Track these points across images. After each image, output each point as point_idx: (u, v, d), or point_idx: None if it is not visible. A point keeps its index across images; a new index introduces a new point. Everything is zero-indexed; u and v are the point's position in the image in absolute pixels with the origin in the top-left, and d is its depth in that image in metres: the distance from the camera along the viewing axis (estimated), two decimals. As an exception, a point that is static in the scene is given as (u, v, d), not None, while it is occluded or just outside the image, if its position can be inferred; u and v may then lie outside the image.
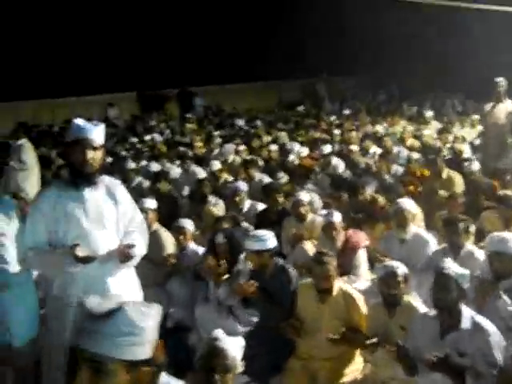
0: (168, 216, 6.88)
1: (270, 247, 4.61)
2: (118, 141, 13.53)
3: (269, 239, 4.61)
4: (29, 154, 7.60)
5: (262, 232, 4.71)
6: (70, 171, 3.61)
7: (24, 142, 7.78)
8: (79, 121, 3.61)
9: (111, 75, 27.07)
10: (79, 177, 3.53)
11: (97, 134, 3.55)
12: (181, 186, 8.73)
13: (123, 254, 3.51)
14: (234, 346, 3.25)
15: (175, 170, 9.40)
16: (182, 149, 11.08)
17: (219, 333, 3.37)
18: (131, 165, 9.37)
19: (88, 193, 3.56)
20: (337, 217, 5.52)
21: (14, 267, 3.52)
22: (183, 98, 20.65)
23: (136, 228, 3.79)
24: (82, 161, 3.49)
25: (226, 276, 4.97)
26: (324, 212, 6.01)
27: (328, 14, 23.86)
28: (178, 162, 10.26)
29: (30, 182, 7.36)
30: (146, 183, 8.55)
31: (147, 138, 12.94)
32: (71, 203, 3.52)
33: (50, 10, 26.85)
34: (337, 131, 12.17)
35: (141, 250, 3.69)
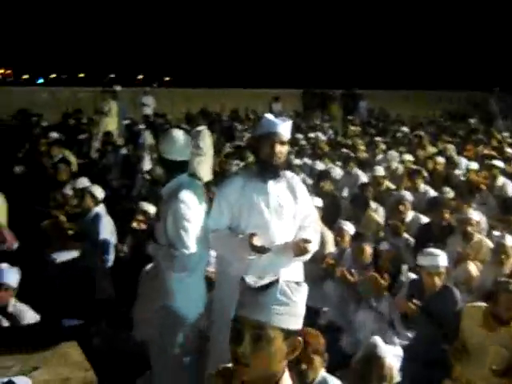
0: (329, 215, 6.95)
1: (443, 265, 4.50)
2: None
3: (443, 257, 4.51)
4: (206, 141, 8.05)
5: (436, 250, 4.61)
6: (257, 163, 3.77)
7: (203, 128, 8.25)
8: (270, 116, 3.76)
9: (279, 70, 27.80)
10: (266, 169, 3.69)
11: (285, 129, 3.69)
12: (342, 188, 8.76)
13: (299, 248, 3.62)
14: (392, 356, 3.22)
15: (337, 171, 9.44)
16: (344, 151, 11.10)
17: (379, 340, 3.35)
18: (295, 161, 9.55)
19: (271, 185, 3.72)
20: (509, 241, 5.27)
21: (193, 250, 3.73)
22: (347, 100, 20.64)
23: (310, 224, 3.89)
24: (270, 154, 3.64)
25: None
26: (496, 234, 5.74)
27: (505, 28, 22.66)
28: (339, 163, 10.30)
29: (204, 167, 7.80)
30: (309, 181, 8.67)
31: (311, 135, 13.08)
32: (255, 193, 3.69)
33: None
34: (509, 150, 11.50)
35: (314, 246, 3.78)
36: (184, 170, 3.90)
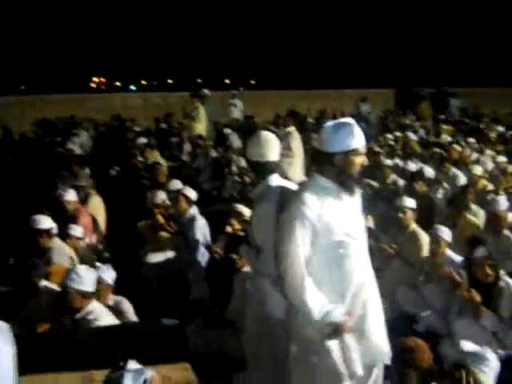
0: (423, 217, 6.73)
1: None
2: (370, 136, 13.65)
3: None
4: (295, 142, 8.00)
5: None
6: (333, 178, 3.34)
7: (292, 129, 8.21)
8: (350, 127, 3.31)
9: (366, 70, 27.39)
10: (344, 185, 3.33)
11: (363, 138, 3.33)
12: (436, 189, 8.47)
13: None
14: (481, 364, 3.00)
15: (430, 171, 9.14)
16: (437, 150, 10.74)
17: (470, 346, 3.15)
18: (386, 161, 9.34)
19: (349, 201, 3.41)
20: None
21: None
22: (438, 98, 20.02)
23: None
24: (353, 170, 3.31)
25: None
26: None
27: None
28: (431, 163, 9.98)
29: (295, 168, 7.75)
30: (401, 182, 8.46)
31: (402, 135, 12.79)
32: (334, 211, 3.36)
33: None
34: None
35: None
36: (272, 171, 3.79)
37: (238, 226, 5.53)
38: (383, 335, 3.50)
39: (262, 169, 3.79)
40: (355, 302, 3.32)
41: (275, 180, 3.77)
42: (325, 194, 3.31)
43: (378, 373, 3.45)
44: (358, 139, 3.28)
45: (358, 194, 3.46)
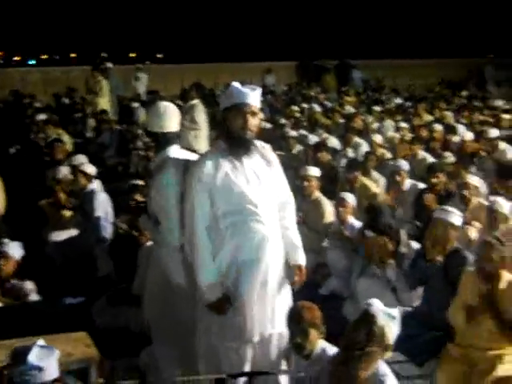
0: (326, 186, 6.92)
1: (459, 224, 4.43)
2: (276, 108, 13.80)
3: (458, 216, 4.44)
4: (200, 115, 7.94)
5: (453, 208, 4.56)
6: (228, 138, 3.45)
7: (197, 102, 8.14)
8: (237, 85, 3.42)
9: (272, 43, 27.53)
10: (238, 144, 3.42)
11: (256, 98, 3.41)
12: (340, 158, 8.71)
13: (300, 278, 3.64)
14: (385, 316, 3.12)
15: (334, 141, 9.40)
16: (341, 121, 11.03)
17: (374, 301, 3.27)
18: (292, 133, 9.50)
19: (246, 161, 3.50)
20: (500, 205, 5.21)
21: (175, 225, 3.60)
22: (341, 70, 20.48)
23: (290, 219, 3.69)
24: (243, 127, 3.36)
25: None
26: (491, 198, 5.72)
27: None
28: (335, 134, 10.26)
29: (201, 140, 7.71)
30: (306, 152, 8.63)
31: (306, 107, 13.01)
32: (231, 171, 3.49)
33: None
34: (506, 116, 11.42)
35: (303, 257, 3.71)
36: (172, 142, 3.76)
37: (141, 199, 5.48)
38: (285, 301, 3.60)
39: (162, 140, 3.78)
40: (254, 267, 3.39)
41: (174, 151, 3.76)
42: (224, 160, 3.40)
43: (277, 337, 3.56)
44: (233, 97, 3.36)
45: (266, 159, 3.58)
